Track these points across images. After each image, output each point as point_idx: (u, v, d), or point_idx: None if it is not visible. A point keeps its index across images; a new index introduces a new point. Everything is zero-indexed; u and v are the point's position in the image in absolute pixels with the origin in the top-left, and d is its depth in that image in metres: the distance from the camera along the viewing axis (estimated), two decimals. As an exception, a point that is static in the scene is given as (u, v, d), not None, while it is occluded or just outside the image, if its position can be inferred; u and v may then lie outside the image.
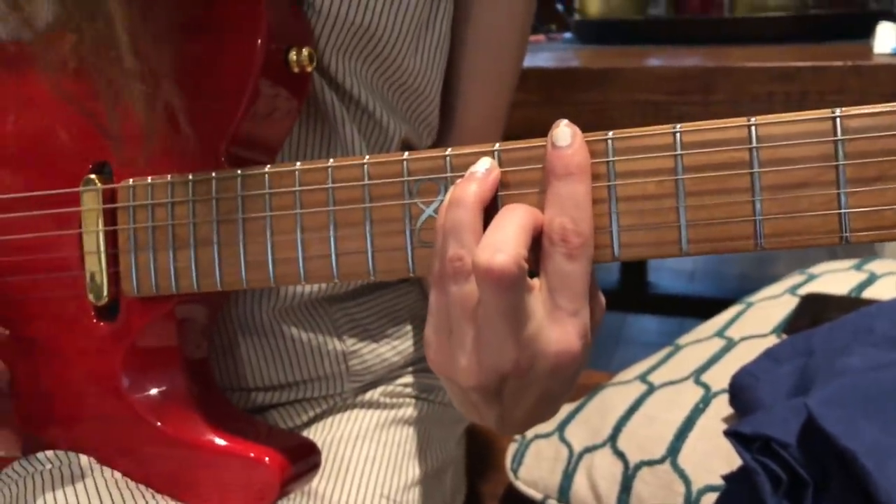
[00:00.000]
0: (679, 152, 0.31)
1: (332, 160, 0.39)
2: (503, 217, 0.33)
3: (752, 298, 0.83)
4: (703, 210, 0.31)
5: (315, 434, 0.59)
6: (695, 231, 0.31)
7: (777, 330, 0.74)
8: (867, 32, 1.03)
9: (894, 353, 0.58)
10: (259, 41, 0.44)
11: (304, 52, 0.46)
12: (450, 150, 0.37)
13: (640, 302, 2.28)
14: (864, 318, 0.62)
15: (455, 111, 0.61)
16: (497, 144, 0.36)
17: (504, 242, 0.32)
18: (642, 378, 0.74)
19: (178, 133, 0.45)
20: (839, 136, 0.29)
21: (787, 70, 0.92)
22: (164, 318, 0.47)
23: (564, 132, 0.33)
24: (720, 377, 0.68)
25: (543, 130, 0.96)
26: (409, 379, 0.63)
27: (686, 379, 0.71)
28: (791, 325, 0.72)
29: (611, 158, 0.33)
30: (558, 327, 0.33)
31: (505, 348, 0.33)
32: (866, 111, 0.29)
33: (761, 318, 0.77)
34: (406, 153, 0.38)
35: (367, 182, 0.38)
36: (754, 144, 0.30)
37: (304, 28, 0.48)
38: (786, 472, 0.50)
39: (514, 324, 0.33)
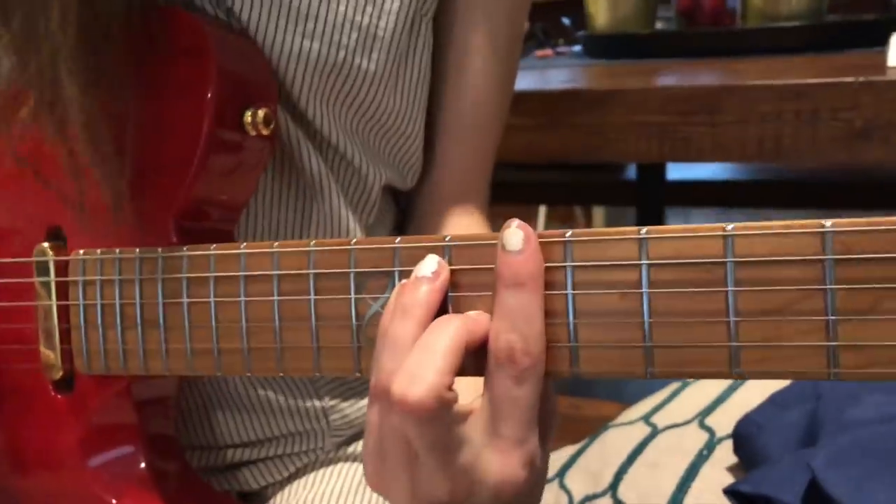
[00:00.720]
0: (645, 261, 0.26)
1: (276, 244, 0.35)
2: (431, 335, 0.28)
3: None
4: (672, 330, 0.26)
5: (296, 492, 0.55)
6: (662, 355, 0.26)
7: (785, 370, 0.68)
8: (885, 39, 0.96)
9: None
10: (208, 98, 0.40)
11: (261, 112, 0.41)
12: (398, 240, 0.32)
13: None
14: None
15: (437, 152, 0.55)
16: (448, 237, 0.31)
17: (423, 370, 0.27)
18: (646, 419, 0.68)
19: (132, 200, 0.41)
20: (829, 255, 0.23)
21: (798, 87, 0.86)
22: (119, 396, 0.43)
23: (515, 235, 0.28)
24: (725, 420, 0.63)
25: (544, 155, 0.89)
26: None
27: (690, 422, 0.65)
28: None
29: (569, 264, 0.27)
30: (499, 455, 0.28)
31: (436, 479, 0.29)
32: (861, 227, 0.23)
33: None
34: (354, 240, 0.33)
35: (312, 271, 0.33)
36: (730, 258, 0.25)
37: (264, 85, 0.43)
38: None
39: (443, 455, 0.28)
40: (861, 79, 0.83)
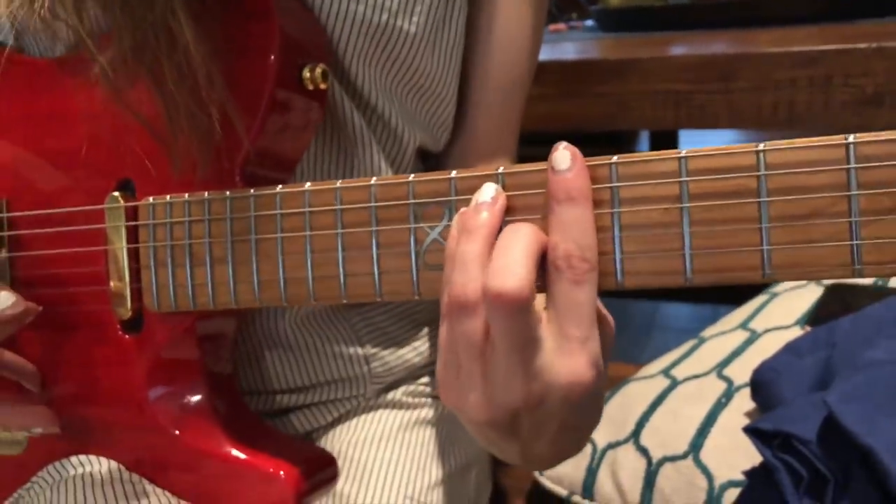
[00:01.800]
0: (685, 178, 0.29)
1: (339, 182, 0.38)
2: (509, 240, 0.31)
3: (777, 289, 0.80)
4: (709, 238, 0.29)
5: (339, 435, 0.58)
6: (700, 260, 0.29)
7: (801, 321, 0.71)
8: None
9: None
10: (272, 58, 0.43)
11: (318, 69, 0.44)
12: (454, 173, 0.35)
13: (673, 289, 2.23)
14: (889, 308, 0.60)
15: (467, 116, 0.59)
16: (501, 168, 0.34)
17: (514, 266, 0.30)
18: (665, 372, 0.72)
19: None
20: (852, 164, 0.27)
21: (810, 54, 0.89)
22: (185, 333, 0.46)
23: (563, 156, 0.31)
24: (743, 371, 0.66)
25: (563, 124, 0.92)
26: (430, 378, 0.62)
27: (709, 373, 0.69)
28: (815, 317, 0.70)
29: (615, 184, 0.31)
30: (568, 357, 0.31)
31: (514, 384, 0.32)
32: (882, 138, 0.26)
33: (785, 309, 0.75)
34: (412, 175, 0.36)
35: (373, 204, 0.37)
36: (762, 172, 0.28)
37: (319, 44, 0.47)
38: (806, 469, 0.49)
39: (522, 356, 0.31)
40: (873, 45, 0.86)
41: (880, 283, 0.72)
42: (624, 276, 0.31)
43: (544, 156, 0.34)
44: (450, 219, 0.35)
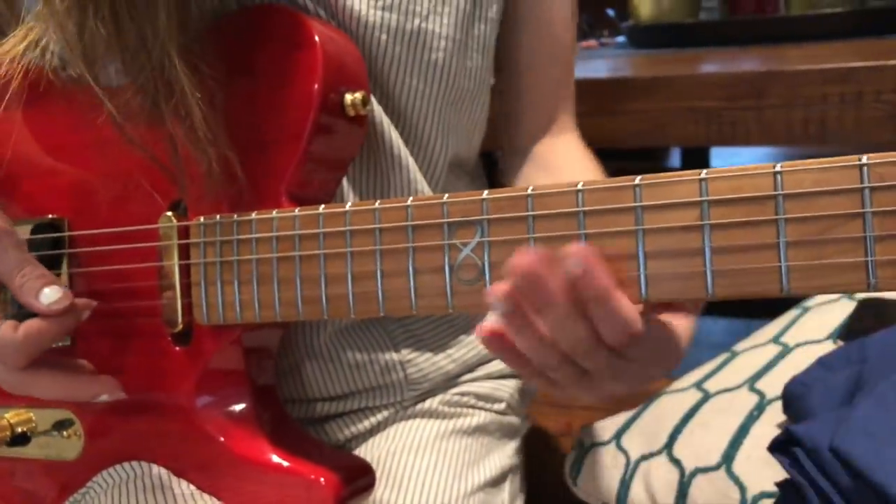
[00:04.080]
0: (706, 198, 0.31)
1: (378, 202, 0.40)
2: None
3: (809, 303, 0.80)
4: (730, 258, 0.30)
5: (377, 444, 0.60)
6: (722, 279, 0.30)
7: (833, 336, 0.71)
8: None
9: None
10: (316, 87, 0.45)
11: (359, 95, 0.47)
12: (486, 193, 0.37)
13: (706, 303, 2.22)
14: (921, 325, 0.60)
15: (522, 85, 0.62)
16: (530, 189, 0.36)
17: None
18: (698, 385, 0.72)
19: (246, 174, 0.47)
20: (866, 185, 0.28)
21: (841, 71, 0.89)
22: (231, 345, 0.48)
23: (576, 262, 0.32)
24: (775, 384, 0.66)
25: (597, 140, 0.94)
26: (465, 388, 0.64)
27: (741, 386, 0.69)
28: (847, 331, 0.70)
29: (638, 204, 0.32)
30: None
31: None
32: (894, 159, 0.27)
33: (817, 323, 0.75)
34: (446, 196, 0.38)
35: (410, 223, 0.39)
36: (780, 192, 0.29)
37: (359, 71, 0.49)
38: (830, 482, 0.49)
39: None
40: (899, 66, 0.85)
41: (916, 296, 0.72)
42: (648, 293, 0.32)
43: None
44: (482, 236, 0.37)
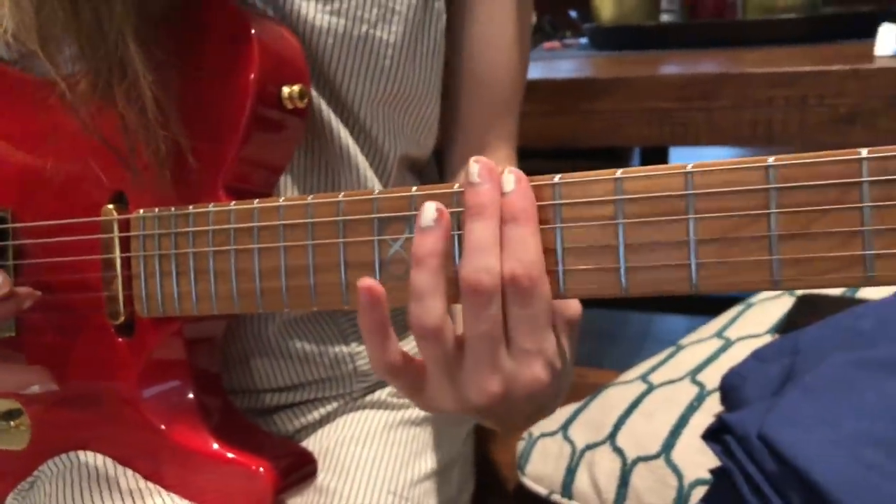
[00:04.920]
0: (620, 196, 0.30)
1: (311, 197, 0.39)
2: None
3: (754, 299, 0.80)
4: (643, 256, 0.29)
5: (326, 434, 0.59)
6: (635, 275, 0.30)
7: (772, 330, 0.71)
8: (877, 30, 0.99)
9: (873, 350, 0.55)
10: (252, 77, 0.44)
11: (297, 88, 0.45)
12: (415, 189, 0.36)
13: (668, 300, 2.23)
14: (849, 317, 0.60)
15: (460, 111, 0.60)
16: (456, 186, 0.35)
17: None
18: (643, 378, 0.72)
19: (184, 167, 0.45)
20: (772, 185, 0.27)
21: (788, 75, 0.89)
22: (173, 336, 0.47)
23: (509, 178, 0.32)
24: (715, 377, 0.66)
25: (555, 140, 0.92)
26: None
27: (683, 378, 0.69)
28: (785, 326, 0.70)
29: (558, 202, 0.31)
30: (526, 368, 0.33)
31: (481, 390, 0.34)
32: (798, 161, 0.27)
33: (759, 318, 0.75)
34: (376, 192, 0.37)
35: (340, 218, 0.38)
36: (690, 191, 0.28)
37: (298, 65, 0.48)
38: (757, 468, 0.49)
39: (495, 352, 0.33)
40: (846, 67, 0.86)
41: (849, 293, 0.72)
42: (566, 286, 0.32)
43: (537, 169, 0.35)
44: (411, 232, 0.36)
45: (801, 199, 0.26)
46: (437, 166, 0.70)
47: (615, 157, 1.73)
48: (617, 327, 2.11)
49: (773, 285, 0.27)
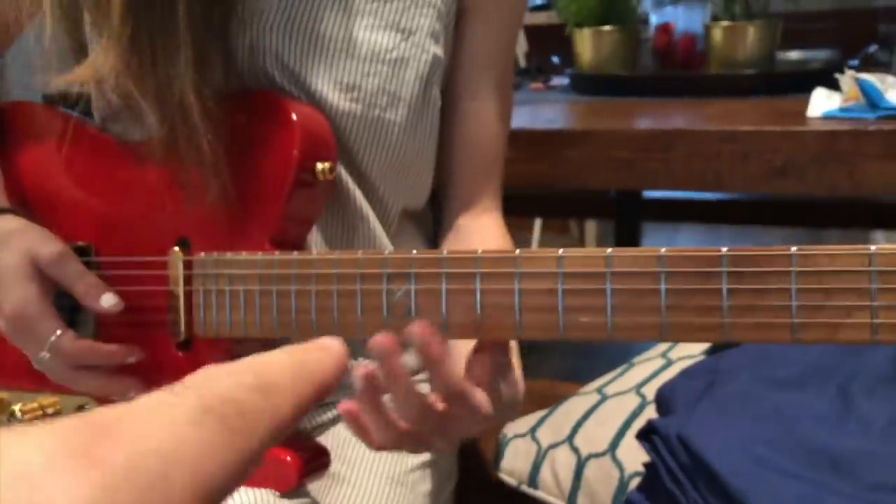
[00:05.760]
0: (562, 270, 0.41)
1: (337, 252, 0.50)
2: None
3: (695, 323, 0.92)
4: (575, 315, 0.41)
5: (337, 431, 0.70)
6: (568, 330, 0.41)
7: (705, 352, 0.82)
8: (831, 82, 1.11)
9: (774, 370, 0.66)
10: (294, 154, 0.55)
11: (328, 164, 0.57)
12: (415, 252, 0.47)
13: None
14: (760, 345, 0.71)
15: (452, 175, 0.71)
16: (445, 251, 0.46)
17: None
18: (599, 390, 0.83)
19: (237, 220, 0.57)
20: (663, 269, 0.38)
21: (732, 133, 1.00)
22: (223, 353, 0.58)
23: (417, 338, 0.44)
24: (655, 390, 0.77)
25: (532, 182, 1.03)
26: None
27: (630, 391, 0.80)
28: (714, 349, 0.81)
29: (478, 270, 0.43)
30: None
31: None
32: (686, 254, 0.38)
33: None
34: (387, 252, 0.48)
35: (359, 271, 0.49)
36: (609, 269, 0.40)
37: (328, 144, 0.59)
38: (677, 462, 0.60)
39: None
40: (779, 128, 0.97)
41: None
42: (522, 332, 0.43)
43: (515, 210, 0.44)
44: (411, 283, 0.47)
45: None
46: (431, 214, 0.81)
47: (593, 197, 1.84)
48: (598, 346, 2.23)
49: (661, 337, 0.38)
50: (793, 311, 0.35)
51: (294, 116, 0.56)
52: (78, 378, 0.58)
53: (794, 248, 0.35)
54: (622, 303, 0.40)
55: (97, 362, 0.58)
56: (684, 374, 0.70)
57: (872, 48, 1.63)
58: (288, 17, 0.60)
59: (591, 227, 2.61)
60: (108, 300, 0.58)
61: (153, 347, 0.61)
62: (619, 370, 0.87)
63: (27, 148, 0.67)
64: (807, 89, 1.18)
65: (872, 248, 0.33)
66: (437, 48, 0.65)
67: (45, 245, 0.59)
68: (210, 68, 0.55)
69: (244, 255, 0.54)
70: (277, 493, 0.59)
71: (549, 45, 1.69)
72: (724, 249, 0.38)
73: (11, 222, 0.60)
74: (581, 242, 2.70)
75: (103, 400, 0.64)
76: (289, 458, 0.55)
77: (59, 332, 0.57)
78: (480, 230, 0.70)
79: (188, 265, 0.58)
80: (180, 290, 0.58)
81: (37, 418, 0.64)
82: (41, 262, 0.58)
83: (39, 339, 0.58)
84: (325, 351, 0.24)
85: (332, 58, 0.61)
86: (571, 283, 0.41)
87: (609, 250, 0.41)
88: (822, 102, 1.03)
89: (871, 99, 0.93)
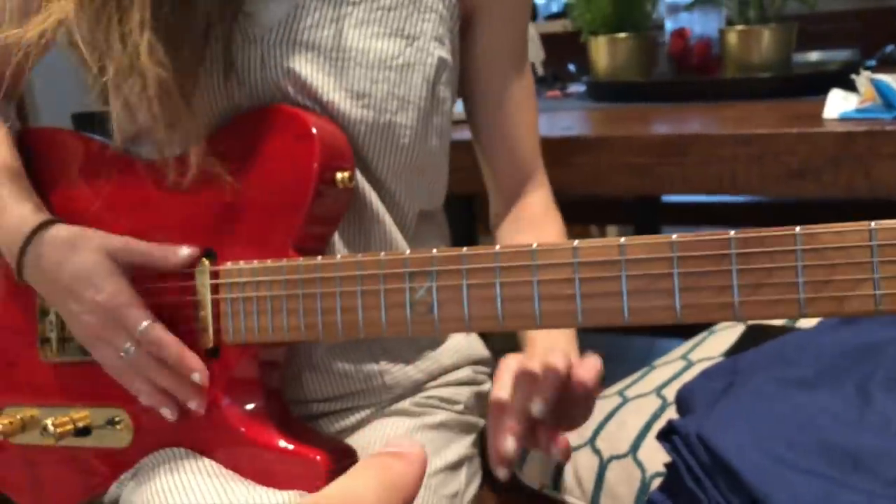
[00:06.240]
0: (577, 260, 0.44)
1: (360, 255, 0.53)
2: None
3: (716, 327, 0.94)
4: (592, 302, 0.44)
5: (361, 435, 0.73)
6: (585, 317, 0.44)
7: (725, 354, 0.85)
8: (848, 83, 1.13)
9: (791, 370, 0.68)
10: (315, 166, 0.59)
11: (347, 174, 0.60)
12: (435, 251, 0.50)
13: (666, 327, 2.36)
14: (778, 344, 0.73)
15: (492, 160, 0.77)
16: (465, 249, 0.49)
17: None
18: (620, 392, 0.86)
19: (261, 230, 0.60)
20: (675, 253, 0.41)
21: (747, 136, 1.03)
22: (250, 358, 0.61)
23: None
24: (676, 391, 0.79)
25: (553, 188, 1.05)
26: (431, 392, 0.77)
27: (650, 393, 0.83)
28: (733, 350, 0.83)
29: (497, 265, 0.46)
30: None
31: None
32: (697, 239, 0.41)
33: (717, 343, 0.88)
34: (408, 252, 0.51)
35: (382, 272, 0.52)
36: (623, 257, 0.43)
37: (345, 153, 0.63)
38: (697, 461, 0.62)
39: None
40: (796, 130, 1.00)
41: (790, 323, 0.86)
42: (541, 323, 0.46)
43: None
44: (432, 281, 0.50)
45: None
46: (445, 215, 0.85)
47: (610, 201, 1.87)
48: (621, 350, 2.25)
49: (677, 317, 0.41)
50: (800, 288, 0.38)
51: (314, 130, 0.60)
52: (156, 372, 0.61)
53: (798, 228, 0.38)
54: (637, 287, 0.42)
55: (173, 360, 0.61)
56: (703, 374, 0.73)
57: (890, 48, 1.65)
58: (295, 32, 0.64)
59: (611, 231, 2.65)
60: (185, 251, 0.62)
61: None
62: (639, 373, 0.90)
63: (53, 171, 0.71)
64: (823, 91, 1.21)
65: (872, 224, 0.36)
66: (442, 51, 0.68)
67: (110, 237, 0.63)
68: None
69: (269, 263, 0.58)
70: (306, 494, 0.62)
71: (566, 52, 1.73)
72: (733, 233, 0.41)
73: (64, 229, 0.64)
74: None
75: (136, 413, 0.67)
76: (318, 458, 0.58)
77: (147, 321, 0.61)
78: (536, 209, 0.77)
79: (215, 275, 0.61)
80: (208, 300, 0.61)
81: (68, 432, 0.68)
82: (117, 252, 0.62)
83: (130, 329, 0.61)
84: (409, 464, 0.25)
85: (342, 68, 0.65)
86: (587, 271, 0.44)
87: (623, 239, 0.44)
88: (838, 104, 1.05)
89: (888, 99, 0.96)
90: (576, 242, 0.45)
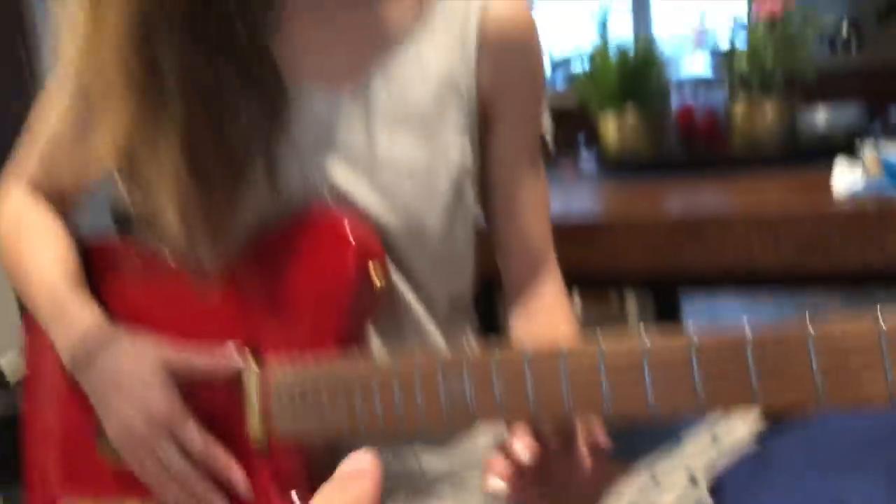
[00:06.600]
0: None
1: (418, 354, 0.57)
2: None
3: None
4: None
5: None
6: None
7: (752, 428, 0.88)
8: (852, 150, 1.17)
9: (823, 453, 0.72)
10: (351, 266, 0.65)
11: (379, 266, 0.66)
12: (466, 348, 0.55)
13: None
14: (806, 428, 0.77)
15: (509, 254, 0.81)
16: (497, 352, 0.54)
17: None
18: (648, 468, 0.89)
19: (302, 326, 0.66)
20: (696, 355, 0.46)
21: (763, 219, 1.08)
22: (300, 456, 0.66)
23: None
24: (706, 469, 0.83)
25: (564, 270, 1.10)
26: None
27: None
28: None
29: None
30: None
31: None
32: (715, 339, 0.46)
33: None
34: (440, 355, 0.56)
35: (417, 368, 0.57)
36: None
37: (381, 256, 0.68)
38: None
39: None
40: (806, 210, 1.05)
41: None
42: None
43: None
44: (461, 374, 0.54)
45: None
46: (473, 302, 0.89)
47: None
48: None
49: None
50: (816, 379, 0.43)
51: (349, 231, 0.66)
52: (196, 481, 0.66)
53: (810, 327, 0.43)
54: (661, 389, 0.47)
55: (217, 469, 0.66)
56: (737, 458, 0.76)
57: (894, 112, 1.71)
58: (331, 138, 0.70)
59: (630, 295, 2.69)
60: (236, 361, 0.67)
61: (234, 453, 0.68)
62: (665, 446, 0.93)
63: (98, 274, 0.78)
64: (830, 155, 1.26)
65: (881, 319, 0.41)
66: (465, 156, 0.74)
67: (163, 347, 0.68)
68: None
69: (319, 366, 0.62)
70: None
71: (573, 125, 1.79)
72: (748, 332, 0.46)
73: (121, 337, 0.70)
74: (622, 311, 2.84)
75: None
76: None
77: (202, 438, 0.66)
78: (544, 302, 0.80)
79: (262, 376, 0.66)
80: (255, 400, 0.66)
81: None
82: (172, 363, 0.67)
83: (184, 443, 0.66)
84: (366, 478, 0.28)
85: (373, 174, 0.71)
86: (613, 375, 0.49)
87: (647, 342, 0.49)
88: (845, 177, 1.11)
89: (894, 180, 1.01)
90: (602, 346, 0.50)
